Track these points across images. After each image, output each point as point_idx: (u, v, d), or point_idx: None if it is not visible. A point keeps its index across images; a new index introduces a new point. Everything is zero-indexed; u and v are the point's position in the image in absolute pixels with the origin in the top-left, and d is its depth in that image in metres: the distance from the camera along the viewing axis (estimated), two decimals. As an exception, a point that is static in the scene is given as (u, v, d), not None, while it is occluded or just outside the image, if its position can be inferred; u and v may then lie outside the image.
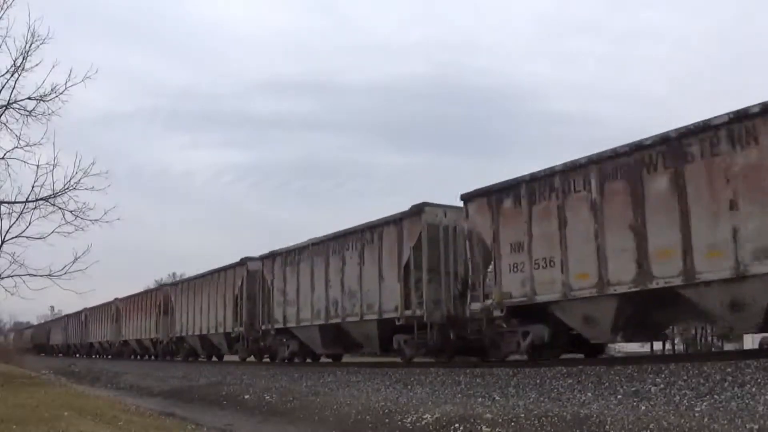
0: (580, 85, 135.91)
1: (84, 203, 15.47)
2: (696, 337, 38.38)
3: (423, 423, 9.92)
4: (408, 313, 14.41)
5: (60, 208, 15.49)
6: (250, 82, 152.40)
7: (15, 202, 15.83)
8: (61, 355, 49.68)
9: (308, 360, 19.63)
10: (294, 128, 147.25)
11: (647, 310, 10.58)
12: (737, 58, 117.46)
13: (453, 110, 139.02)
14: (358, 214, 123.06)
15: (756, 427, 6.74)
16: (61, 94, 14.95)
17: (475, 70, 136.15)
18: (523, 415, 8.94)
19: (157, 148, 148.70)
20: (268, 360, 21.43)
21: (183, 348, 27.94)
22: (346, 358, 20.20)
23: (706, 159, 9.42)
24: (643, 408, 8.16)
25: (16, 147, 15.31)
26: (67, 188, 15.31)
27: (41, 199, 15.55)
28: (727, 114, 9.21)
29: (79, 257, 15.51)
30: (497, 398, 10.31)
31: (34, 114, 15.16)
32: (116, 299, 36.83)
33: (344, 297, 16.51)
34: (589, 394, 9.34)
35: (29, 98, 15.08)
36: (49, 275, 15.86)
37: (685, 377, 8.79)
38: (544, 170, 11.78)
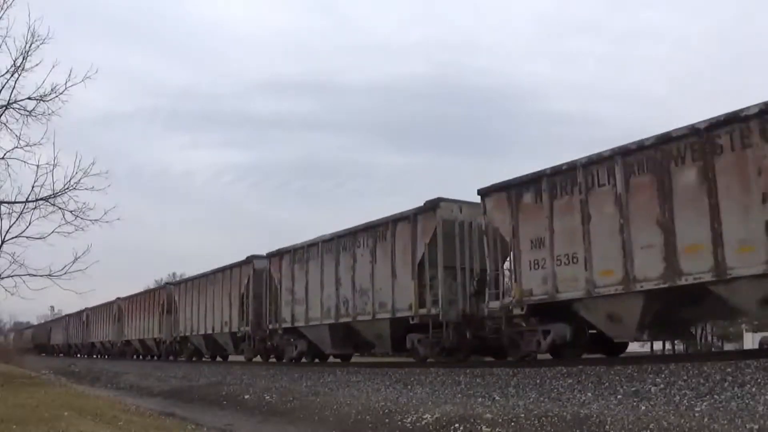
0: (580, 85, 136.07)
1: (84, 203, 15.47)
2: (697, 336, 38.18)
3: (423, 423, 9.85)
4: (422, 311, 14.08)
5: (60, 208, 15.47)
6: (250, 82, 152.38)
7: (15, 202, 15.79)
8: (62, 355, 49.52)
9: (316, 360, 19.36)
10: (294, 128, 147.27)
11: (674, 307, 10.32)
12: (737, 58, 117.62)
13: (453, 110, 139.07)
14: (358, 214, 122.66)
15: (756, 427, 6.69)
16: (61, 94, 14.94)
17: (475, 70, 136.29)
18: (523, 415, 8.88)
19: (157, 148, 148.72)
20: (274, 360, 21.16)
21: (187, 348, 27.68)
22: (354, 358, 19.92)
23: (736, 151, 9.16)
24: (643, 408, 8.10)
25: (16, 147, 15.30)
26: (67, 188, 15.28)
27: (41, 199, 15.50)
28: (759, 105, 8.95)
29: (79, 257, 15.49)
30: (497, 398, 10.25)
31: (34, 114, 15.15)
32: (118, 299, 36.53)
33: (355, 295, 16.17)
34: (589, 394, 9.27)
35: (29, 98, 15.06)
36: (49, 275, 15.82)
37: (685, 377, 8.73)
38: (566, 163, 11.49)
